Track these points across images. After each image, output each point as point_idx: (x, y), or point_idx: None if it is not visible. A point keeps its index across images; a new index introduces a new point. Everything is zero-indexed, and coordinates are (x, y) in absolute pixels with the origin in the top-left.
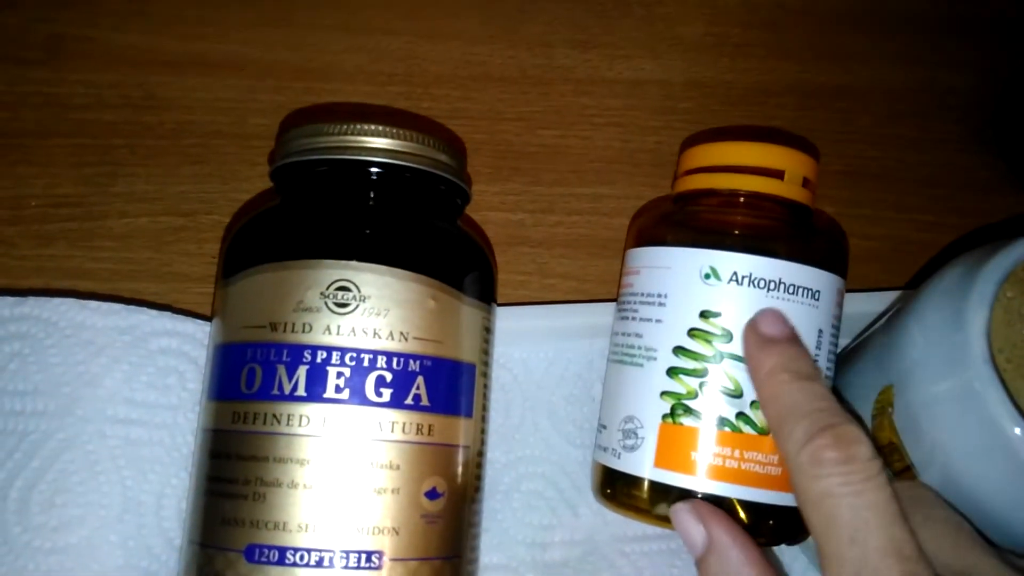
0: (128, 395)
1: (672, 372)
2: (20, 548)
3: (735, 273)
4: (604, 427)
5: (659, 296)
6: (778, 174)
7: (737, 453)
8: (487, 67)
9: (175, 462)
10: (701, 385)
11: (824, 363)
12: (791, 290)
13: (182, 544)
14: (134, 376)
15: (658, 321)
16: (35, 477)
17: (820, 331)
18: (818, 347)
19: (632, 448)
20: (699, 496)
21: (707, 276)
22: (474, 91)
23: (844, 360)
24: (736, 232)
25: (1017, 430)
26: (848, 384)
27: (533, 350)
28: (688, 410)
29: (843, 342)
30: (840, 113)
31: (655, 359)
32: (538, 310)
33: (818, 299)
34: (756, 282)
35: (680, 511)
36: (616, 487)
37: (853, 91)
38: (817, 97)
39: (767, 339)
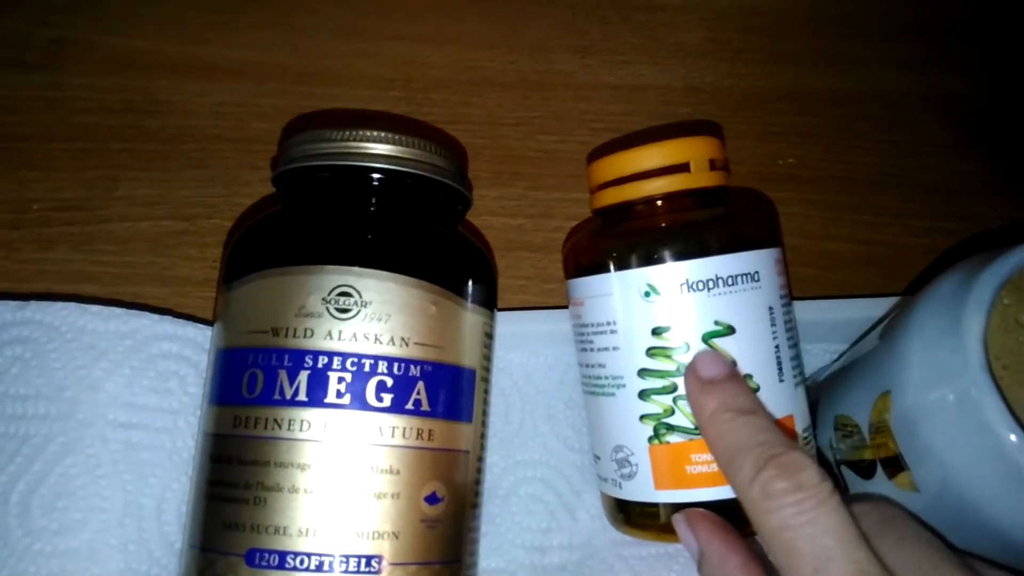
0: (129, 399)
1: (644, 395)
2: (21, 551)
3: (673, 284)
4: (598, 458)
5: (608, 324)
6: (684, 167)
7: None
8: (487, 72)
9: (176, 466)
10: (675, 400)
11: (783, 336)
12: (730, 282)
13: (182, 548)
14: (135, 380)
15: (615, 348)
16: (36, 481)
17: (770, 308)
18: (772, 323)
19: (630, 476)
20: (704, 505)
21: (647, 294)
22: (474, 96)
23: (843, 367)
24: (661, 241)
25: (1013, 437)
26: (845, 391)
27: (532, 355)
28: (670, 427)
29: (840, 348)
30: (837, 119)
31: (624, 386)
32: (538, 315)
33: (759, 279)
34: (694, 286)
35: (677, 522)
36: (628, 514)
37: (850, 96)
38: (815, 102)
39: (706, 381)
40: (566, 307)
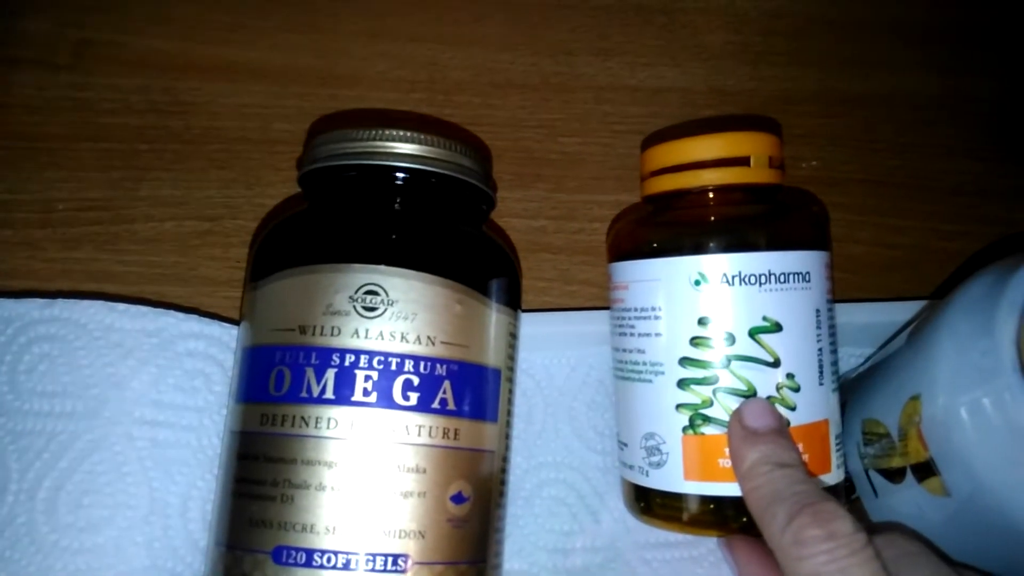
0: (155, 397)
1: (683, 384)
2: (48, 548)
3: (724, 275)
4: (625, 444)
5: (653, 309)
6: (744, 161)
7: None
8: (509, 74)
9: (201, 464)
10: (714, 392)
11: (827, 340)
12: (782, 279)
13: (208, 545)
14: (161, 378)
15: (657, 335)
16: (63, 478)
17: (817, 311)
18: (818, 327)
19: (658, 464)
20: (731, 500)
21: (697, 283)
22: (496, 98)
23: (870, 370)
24: (717, 231)
25: None
26: (873, 395)
27: (555, 356)
28: (706, 419)
29: (866, 351)
30: (863, 121)
31: (663, 373)
32: (560, 316)
33: (809, 280)
34: (747, 279)
35: (720, 546)
36: (649, 502)
37: (876, 99)
38: (839, 105)
39: (751, 432)
40: (588, 309)
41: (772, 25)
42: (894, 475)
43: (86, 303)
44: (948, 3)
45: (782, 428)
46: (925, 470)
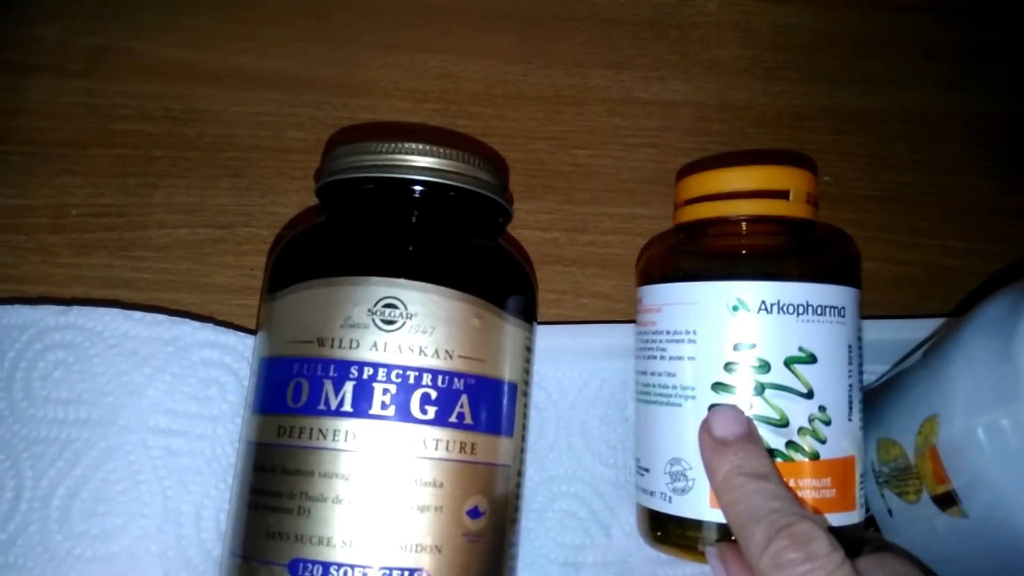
0: (170, 406)
1: (714, 409)
2: (62, 556)
3: (763, 302)
4: (647, 470)
5: (687, 333)
6: (783, 194)
7: (792, 482)
8: (522, 86)
9: (214, 473)
10: None
11: (856, 377)
12: (819, 311)
13: (223, 556)
14: (176, 387)
15: (691, 358)
16: (77, 485)
17: (850, 346)
18: (850, 362)
19: (683, 491)
20: None
21: (735, 308)
22: (508, 109)
23: (884, 388)
24: (757, 259)
25: None
26: (889, 414)
27: (567, 369)
28: None
29: (882, 368)
30: (873, 138)
31: (693, 397)
32: (572, 329)
33: (844, 315)
34: (784, 308)
35: (708, 554)
36: (668, 530)
37: (887, 116)
38: (850, 121)
39: (720, 441)
40: (601, 322)
41: (784, 40)
42: (909, 494)
43: (101, 310)
44: (960, 21)
45: (751, 434)
46: (941, 489)
